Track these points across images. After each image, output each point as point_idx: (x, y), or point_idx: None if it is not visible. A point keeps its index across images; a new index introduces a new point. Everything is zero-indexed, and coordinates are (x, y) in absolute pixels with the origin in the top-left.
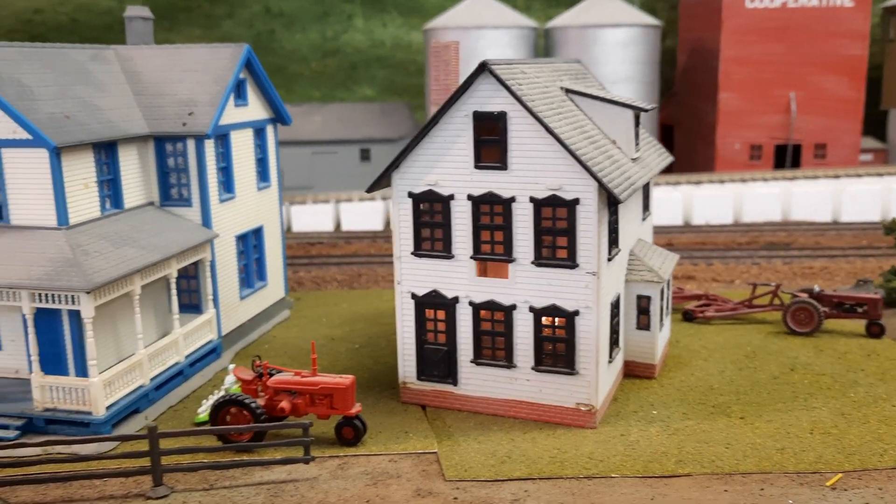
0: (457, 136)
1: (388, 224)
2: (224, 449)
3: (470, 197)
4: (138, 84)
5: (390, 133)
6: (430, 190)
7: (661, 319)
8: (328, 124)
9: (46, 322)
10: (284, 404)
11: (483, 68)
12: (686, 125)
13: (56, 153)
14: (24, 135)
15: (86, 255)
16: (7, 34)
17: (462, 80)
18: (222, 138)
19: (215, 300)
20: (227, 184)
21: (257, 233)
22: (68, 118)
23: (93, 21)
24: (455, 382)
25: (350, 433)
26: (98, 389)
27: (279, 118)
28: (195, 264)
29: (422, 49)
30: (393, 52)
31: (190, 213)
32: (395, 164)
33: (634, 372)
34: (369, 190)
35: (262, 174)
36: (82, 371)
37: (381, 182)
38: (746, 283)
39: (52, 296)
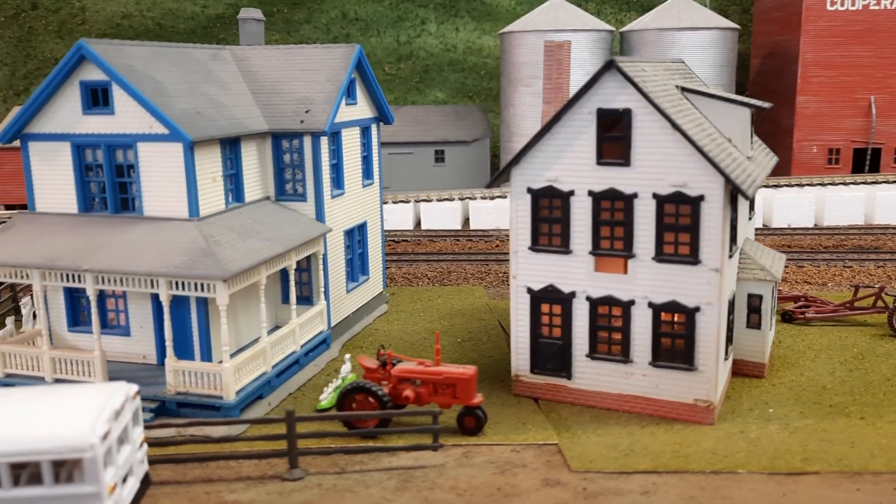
0: (579, 132)
1: (465, 223)
2: (350, 435)
3: (591, 193)
4: (255, 83)
5: (464, 135)
6: (550, 186)
7: (770, 319)
8: (403, 126)
9: (175, 310)
10: (409, 392)
11: (610, 65)
12: (761, 129)
13: (190, 147)
14: (160, 129)
15: (219, 246)
16: (97, 37)
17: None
18: (334, 136)
19: (326, 292)
20: (337, 180)
21: (361, 228)
22: (199, 114)
23: (178, 26)
24: (569, 376)
25: (472, 423)
26: (230, 375)
27: (382, 117)
28: (307, 257)
29: (493, 53)
30: (465, 56)
31: (304, 208)
32: (516, 160)
33: (743, 371)
34: (489, 186)
35: (367, 172)
36: (207, 357)
37: (501, 178)
38: (850, 284)
39: (189, 284)
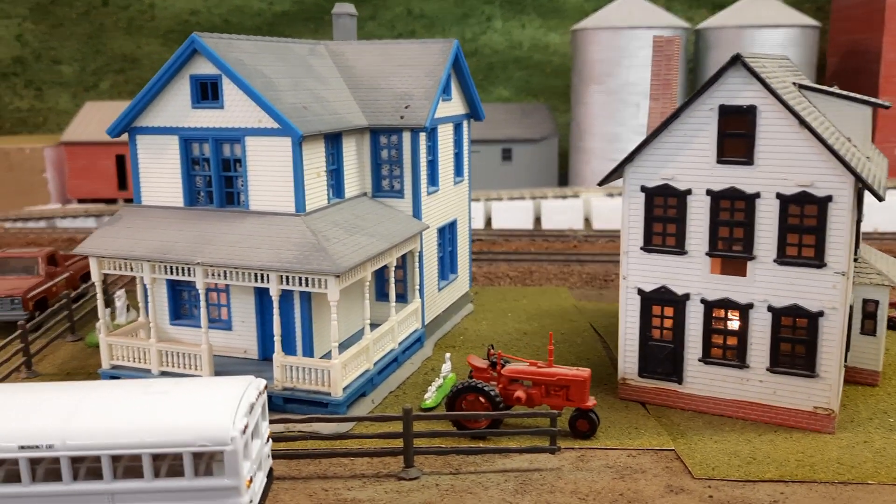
0: (699, 129)
1: (537, 221)
2: (460, 435)
3: (709, 192)
4: (352, 78)
5: (531, 134)
6: (666, 184)
7: (885, 325)
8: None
9: (279, 305)
10: (520, 394)
11: (735, 60)
12: None
13: (299, 142)
14: (269, 124)
15: (328, 241)
16: (165, 34)
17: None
18: (431, 132)
19: (421, 290)
20: (432, 177)
21: (452, 226)
22: (306, 108)
23: (245, 22)
24: (680, 381)
25: (585, 426)
26: (338, 372)
27: (474, 114)
28: (403, 254)
29: (559, 50)
30: (530, 54)
31: (401, 205)
32: (630, 158)
33: (856, 378)
34: (601, 183)
35: (458, 169)
36: (309, 352)
37: (613, 176)
38: None
39: (301, 279)
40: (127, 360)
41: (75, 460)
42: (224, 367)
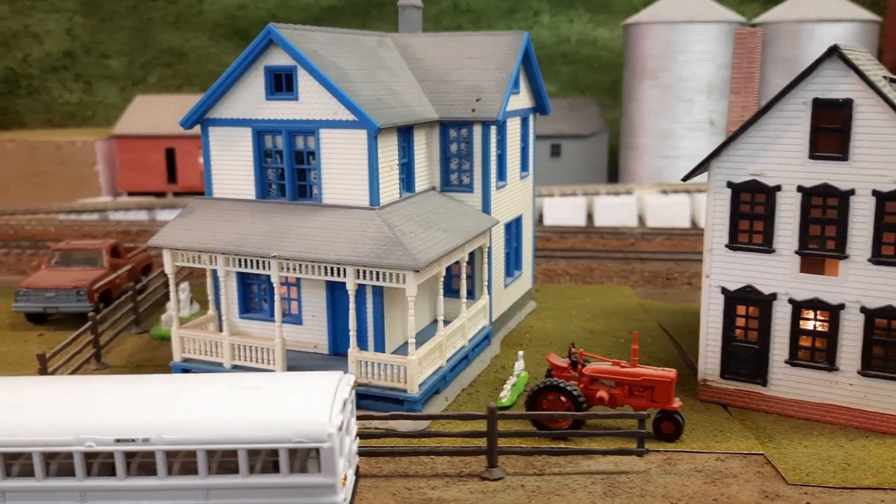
0: (790, 124)
1: (589, 218)
2: (540, 435)
3: (800, 188)
4: (421, 70)
5: (580, 129)
6: (754, 180)
7: None
8: None
9: (349, 299)
10: (603, 394)
11: (832, 52)
12: None
13: (375, 135)
14: (345, 116)
15: (404, 235)
16: (213, 28)
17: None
18: (500, 125)
19: (489, 287)
20: (501, 171)
21: (518, 222)
22: (380, 101)
23: (291, 17)
24: (764, 383)
25: (671, 428)
26: (415, 368)
27: (540, 107)
28: (472, 250)
29: (607, 45)
30: (578, 49)
31: (470, 199)
32: (716, 153)
33: None
34: (685, 178)
35: (524, 163)
36: (380, 348)
37: (698, 171)
38: None
39: (377, 273)
40: (198, 353)
41: (170, 455)
42: (294, 361)
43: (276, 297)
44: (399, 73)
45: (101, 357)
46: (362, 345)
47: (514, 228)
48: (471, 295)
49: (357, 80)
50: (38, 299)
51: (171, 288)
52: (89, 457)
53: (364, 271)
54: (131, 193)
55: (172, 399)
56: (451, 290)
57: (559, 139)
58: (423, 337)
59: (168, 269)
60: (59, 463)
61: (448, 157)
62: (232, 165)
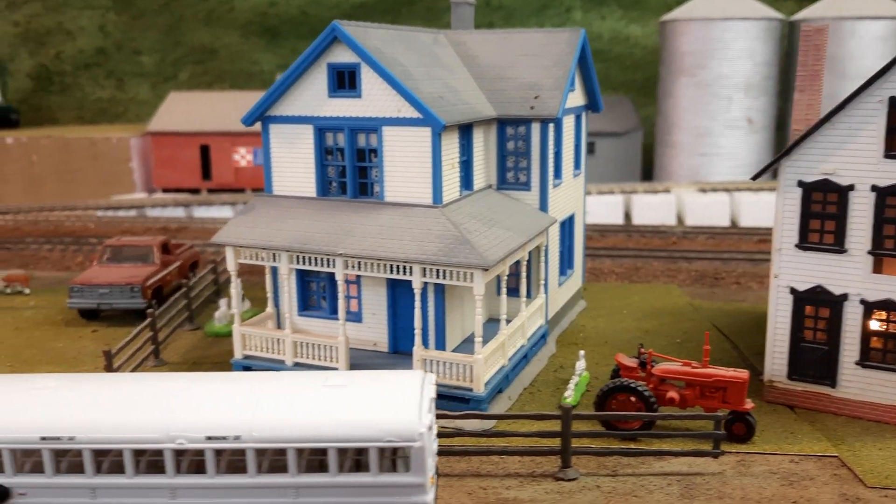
0: (865, 122)
1: (626, 217)
2: (609, 435)
3: (874, 188)
4: (476, 67)
5: (615, 127)
6: (826, 179)
7: None
8: None
9: (411, 297)
10: (673, 394)
11: None
12: None
13: (439, 133)
14: (409, 114)
15: (470, 234)
16: (244, 26)
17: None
18: (557, 123)
19: (545, 286)
20: (557, 169)
21: (571, 220)
22: (442, 98)
23: (322, 14)
24: (833, 384)
25: (742, 429)
26: (481, 367)
27: (592, 105)
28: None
29: (640, 43)
30: (610, 46)
31: (528, 197)
32: (787, 151)
33: None
34: (755, 177)
35: (576, 161)
36: (442, 346)
37: (768, 170)
38: None
39: (444, 272)
40: (259, 351)
41: (260, 453)
42: (355, 359)
43: (340, 296)
44: (456, 71)
45: (159, 353)
46: (424, 343)
47: (567, 227)
48: (516, 293)
49: (419, 78)
50: (91, 295)
51: (234, 285)
52: (179, 454)
53: (431, 270)
54: (165, 190)
55: (259, 397)
56: (510, 290)
57: (593, 137)
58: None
59: (231, 266)
60: (147, 460)
61: (505, 155)
62: (292, 163)
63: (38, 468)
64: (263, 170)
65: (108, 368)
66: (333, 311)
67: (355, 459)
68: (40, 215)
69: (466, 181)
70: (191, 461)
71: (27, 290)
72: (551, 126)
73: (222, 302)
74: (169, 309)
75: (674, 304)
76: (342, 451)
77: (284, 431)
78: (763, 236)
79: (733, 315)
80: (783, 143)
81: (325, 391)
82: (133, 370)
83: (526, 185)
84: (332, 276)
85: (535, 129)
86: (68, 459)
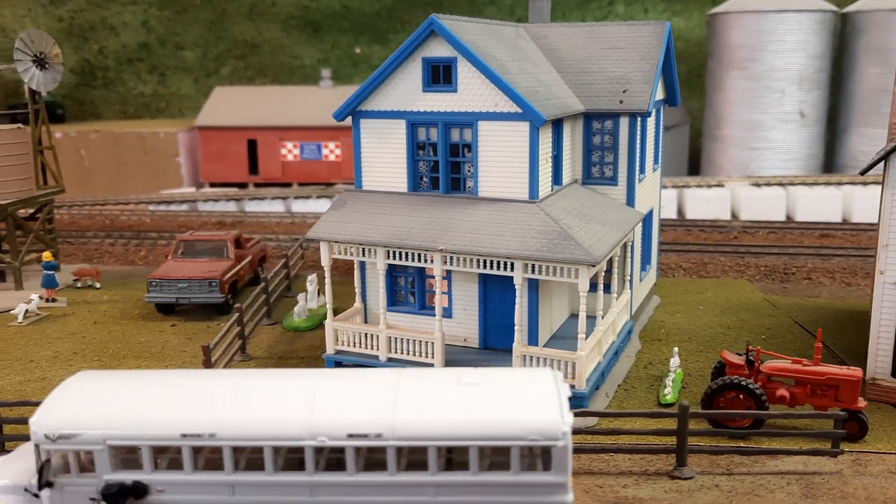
0: None
1: (678, 212)
2: (719, 434)
3: None
4: (559, 61)
5: (663, 121)
6: None
7: None
8: None
9: (502, 293)
10: (783, 392)
11: None
12: None
13: (538, 127)
14: (507, 108)
15: (571, 229)
16: (286, 20)
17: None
18: (643, 117)
19: (631, 281)
20: (641, 164)
21: (650, 215)
22: (538, 92)
23: (364, 8)
24: None
25: (855, 428)
26: (584, 363)
27: (669, 99)
28: None
29: (683, 35)
30: None
31: (614, 192)
32: None
33: None
34: (863, 172)
35: (656, 156)
36: (534, 342)
37: (877, 164)
38: None
39: (547, 267)
40: (351, 346)
41: (400, 451)
42: (446, 355)
43: (437, 292)
44: (541, 65)
45: (245, 348)
46: (511, 339)
47: (646, 222)
48: (608, 289)
49: (514, 72)
50: (170, 290)
51: (327, 280)
52: (319, 451)
53: (533, 265)
54: (212, 184)
55: (397, 395)
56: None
57: None
58: (564, 333)
59: (325, 261)
60: (285, 457)
61: (591, 150)
62: (383, 158)
63: (175, 465)
64: (353, 165)
65: (207, 364)
66: (421, 307)
67: (496, 458)
68: (94, 209)
69: (556, 176)
70: (329, 458)
71: (98, 285)
72: (640, 120)
73: (300, 297)
74: (250, 304)
75: (749, 299)
76: (482, 450)
77: (426, 429)
78: (824, 231)
79: (812, 311)
80: (835, 136)
81: (461, 389)
82: (224, 366)
83: (612, 180)
84: (420, 271)
85: (624, 123)
86: (207, 456)
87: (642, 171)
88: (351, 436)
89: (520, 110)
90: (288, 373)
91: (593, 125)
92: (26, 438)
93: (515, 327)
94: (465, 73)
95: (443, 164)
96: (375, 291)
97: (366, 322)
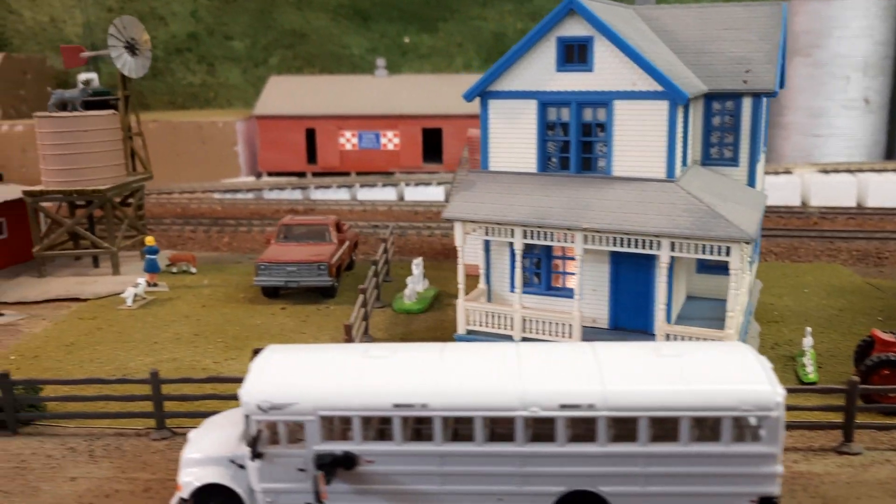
0: None
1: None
2: (870, 409)
3: None
4: (675, 42)
5: None
6: None
7: None
8: None
9: (634, 273)
10: None
11: None
12: None
13: (682, 105)
14: (645, 87)
15: (716, 207)
16: (335, 9)
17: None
18: (759, 98)
19: (751, 263)
20: (762, 145)
21: None
22: (670, 72)
23: None
24: None
25: None
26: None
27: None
28: None
29: None
30: None
31: (735, 173)
32: None
33: None
34: None
35: (764, 138)
36: (668, 321)
37: None
38: None
39: (696, 246)
40: (485, 326)
41: (611, 421)
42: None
43: (577, 271)
44: (659, 45)
45: (367, 330)
46: (647, 320)
47: None
48: (724, 271)
49: (647, 51)
50: (279, 273)
51: (460, 262)
52: (528, 423)
53: (682, 244)
54: (270, 173)
55: (601, 366)
56: (703, 267)
57: None
58: (685, 313)
59: (458, 241)
60: (492, 428)
61: (710, 130)
62: (512, 138)
63: (383, 436)
64: (480, 146)
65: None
66: (547, 288)
67: (704, 429)
68: (160, 198)
69: (684, 156)
70: (536, 430)
71: (194, 270)
72: (764, 101)
73: (409, 280)
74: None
75: (850, 282)
76: (693, 421)
77: (637, 400)
78: None
79: None
80: None
81: (665, 361)
82: None
83: (733, 161)
84: (547, 252)
85: (747, 103)
86: (415, 427)
87: (760, 152)
88: (563, 406)
89: (660, 88)
90: (479, 345)
91: (713, 105)
92: (187, 415)
93: (659, 306)
94: (602, 51)
95: (574, 143)
96: (500, 273)
97: (489, 303)
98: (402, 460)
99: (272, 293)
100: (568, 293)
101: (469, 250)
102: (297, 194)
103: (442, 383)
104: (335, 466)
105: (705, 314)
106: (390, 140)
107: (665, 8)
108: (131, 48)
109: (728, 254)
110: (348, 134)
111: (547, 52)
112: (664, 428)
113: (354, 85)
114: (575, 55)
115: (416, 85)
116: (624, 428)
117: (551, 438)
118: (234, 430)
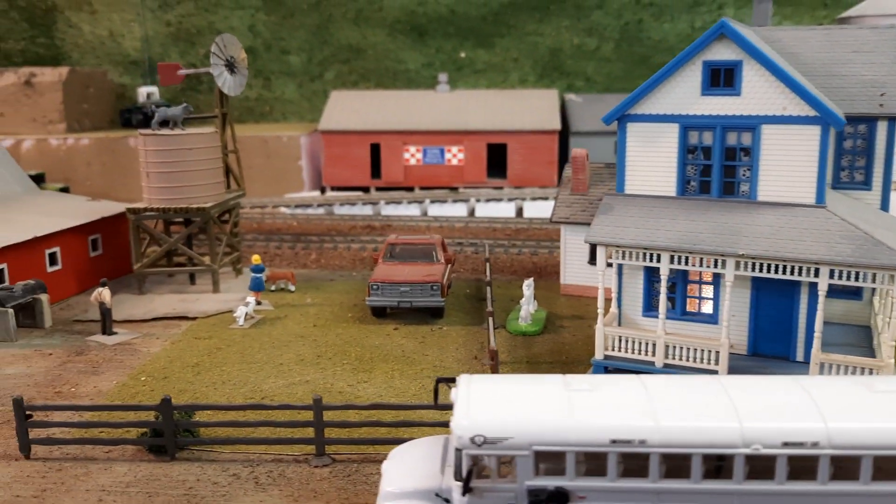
0: None
1: None
2: None
3: None
4: (801, 65)
5: None
6: None
7: None
8: None
9: (774, 298)
10: None
11: None
12: None
13: (834, 130)
14: (796, 111)
15: (874, 234)
16: (392, 24)
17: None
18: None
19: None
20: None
21: None
22: (818, 96)
23: (469, 12)
24: None
25: None
26: (890, 372)
27: None
28: None
29: None
30: None
31: (868, 197)
32: None
33: None
34: None
35: None
36: (809, 349)
37: None
38: None
39: (857, 274)
40: (621, 351)
41: (833, 460)
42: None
43: (725, 298)
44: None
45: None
46: (788, 346)
47: None
48: (857, 295)
49: (795, 75)
50: (392, 293)
51: (600, 286)
52: (747, 460)
53: (841, 272)
54: (334, 188)
55: (816, 402)
56: (833, 291)
57: None
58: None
59: (601, 265)
60: (707, 465)
61: (841, 153)
62: (650, 162)
63: (596, 471)
64: (616, 169)
65: (495, 368)
66: (682, 313)
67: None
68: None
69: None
70: (753, 467)
71: (292, 287)
72: None
73: (523, 301)
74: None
75: None
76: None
77: (861, 438)
78: None
79: None
80: None
81: (882, 397)
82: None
83: (865, 185)
84: (683, 276)
85: (882, 126)
86: (626, 463)
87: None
88: (786, 444)
89: (812, 113)
90: (679, 378)
91: (845, 129)
92: (345, 441)
93: (816, 334)
94: (751, 76)
95: (717, 168)
96: (632, 297)
97: (619, 326)
98: (615, 496)
99: (380, 312)
100: (703, 318)
101: (570, 269)
102: (367, 210)
103: (661, 419)
104: (550, 502)
105: (840, 340)
106: (455, 155)
107: (787, 29)
108: (230, 66)
109: (893, 282)
110: (413, 149)
111: (692, 77)
112: (886, 467)
113: (417, 100)
114: (721, 79)
115: (479, 100)
116: (843, 466)
117: (766, 475)
118: (431, 463)
